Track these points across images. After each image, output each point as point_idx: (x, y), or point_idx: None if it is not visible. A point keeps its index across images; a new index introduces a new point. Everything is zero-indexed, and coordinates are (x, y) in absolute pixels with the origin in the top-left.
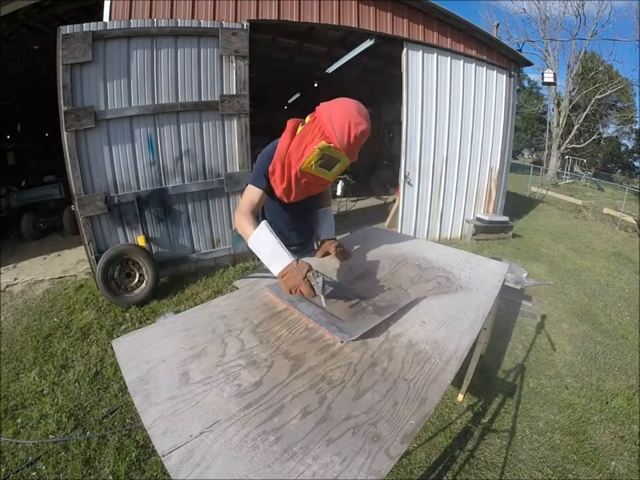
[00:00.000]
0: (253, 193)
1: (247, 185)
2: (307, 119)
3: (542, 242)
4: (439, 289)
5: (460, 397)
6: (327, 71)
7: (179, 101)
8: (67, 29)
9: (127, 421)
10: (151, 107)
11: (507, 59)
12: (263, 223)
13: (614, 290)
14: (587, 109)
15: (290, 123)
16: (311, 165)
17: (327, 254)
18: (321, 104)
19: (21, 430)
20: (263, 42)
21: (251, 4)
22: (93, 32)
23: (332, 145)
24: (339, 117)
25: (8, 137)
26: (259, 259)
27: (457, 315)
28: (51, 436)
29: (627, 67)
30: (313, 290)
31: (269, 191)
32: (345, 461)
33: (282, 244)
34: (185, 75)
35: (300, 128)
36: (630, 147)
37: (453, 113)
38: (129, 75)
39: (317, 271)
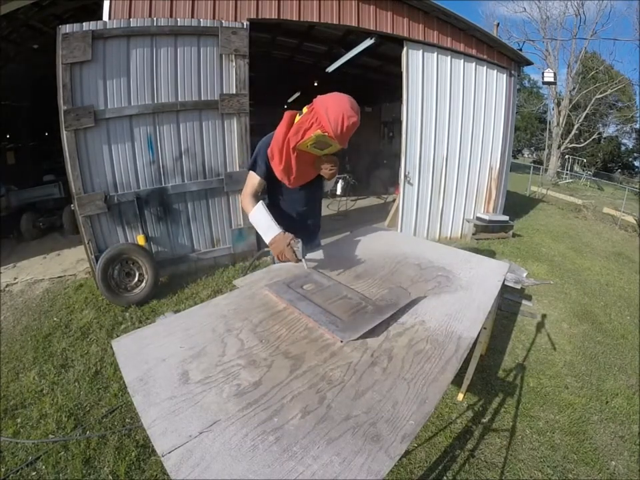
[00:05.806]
0: (252, 178)
1: (248, 170)
2: (304, 109)
3: (542, 241)
4: (439, 288)
5: (460, 397)
6: (326, 70)
7: (179, 100)
8: (66, 28)
9: (127, 420)
10: (150, 106)
11: (507, 58)
12: (260, 202)
13: (614, 289)
14: (587, 109)
15: (286, 114)
16: (307, 145)
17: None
18: (318, 97)
19: (21, 429)
20: (263, 41)
21: (251, 3)
22: (93, 31)
23: (327, 133)
24: (334, 110)
25: (8, 136)
26: (257, 259)
27: (457, 314)
28: (50, 435)
29: (627, 66)
30: (295, 255)
31: (266, 175)
32: (344, 460)
33: (273, 219)
34: (185, 74)
35: (298, 117)
36: (630, 147)
37: (453, 112)
38: (128, 74)
39: (298, 239)
